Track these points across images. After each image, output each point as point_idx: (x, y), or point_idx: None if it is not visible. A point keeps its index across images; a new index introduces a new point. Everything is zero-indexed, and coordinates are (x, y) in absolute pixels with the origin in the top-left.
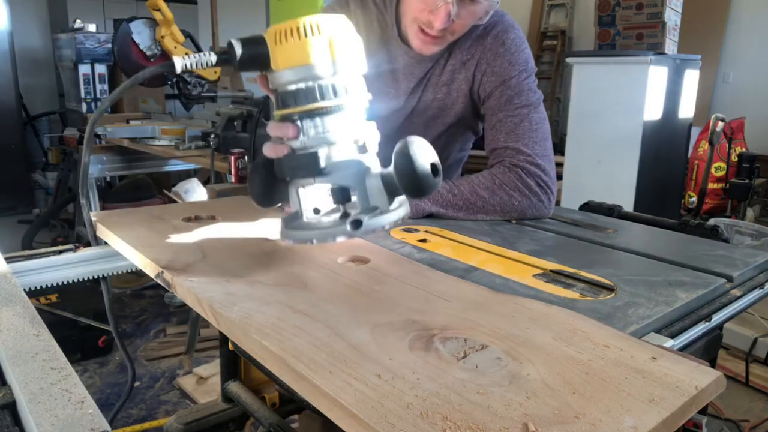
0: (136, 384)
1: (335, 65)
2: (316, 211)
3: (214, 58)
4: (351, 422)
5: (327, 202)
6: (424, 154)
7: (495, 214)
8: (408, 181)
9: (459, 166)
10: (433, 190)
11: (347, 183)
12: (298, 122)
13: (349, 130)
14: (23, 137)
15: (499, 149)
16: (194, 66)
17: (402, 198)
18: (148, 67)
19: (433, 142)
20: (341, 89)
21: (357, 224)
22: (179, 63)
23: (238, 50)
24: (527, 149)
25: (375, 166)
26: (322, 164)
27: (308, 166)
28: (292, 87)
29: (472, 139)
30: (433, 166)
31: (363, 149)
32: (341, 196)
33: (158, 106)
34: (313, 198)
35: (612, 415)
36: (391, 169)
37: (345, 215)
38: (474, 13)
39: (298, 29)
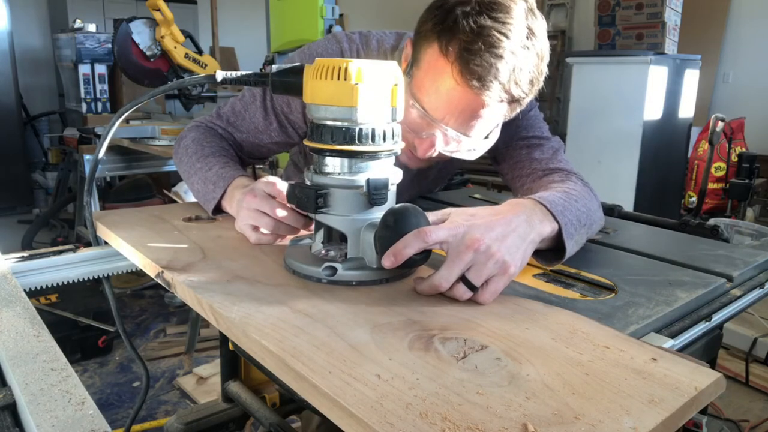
0: (135, 384)
1: (356, 112)
2: (330, 237)
3: (252, 76)
4: (350, 422)
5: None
6: (409, 228)
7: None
8: (384, 251)
9: None
10: (409, 267)
11: (341, 228)
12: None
13: (364, 176)
14: (23, 137)
15: (542, 171)
16: (234, 81)
17: None
18: (193, 76)
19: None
20: (367, 136)
21: (331, 271)
22: (220, 75)
23: (272, 74)
24: (568, 167)
25: (377, 219)
26: (320, 203)
27: (307, 200)
28: (319, 122)
29: None
30: None
31: (373, 200)
32: (342, 236)
33: (158, 106)
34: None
35: (611, 416)
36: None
37: (345, 255)
38: (463, 145)
39: (334, 69)
